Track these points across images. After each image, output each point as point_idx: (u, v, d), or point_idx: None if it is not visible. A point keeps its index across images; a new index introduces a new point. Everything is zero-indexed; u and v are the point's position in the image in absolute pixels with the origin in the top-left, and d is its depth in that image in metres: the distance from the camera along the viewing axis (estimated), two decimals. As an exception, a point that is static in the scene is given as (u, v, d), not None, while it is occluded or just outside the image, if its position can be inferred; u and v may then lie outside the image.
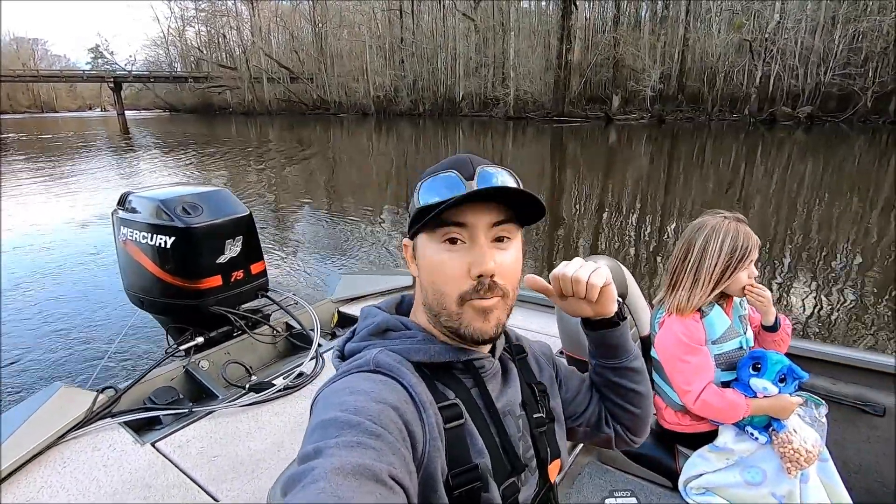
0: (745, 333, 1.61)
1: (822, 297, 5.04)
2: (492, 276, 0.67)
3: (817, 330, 4.36)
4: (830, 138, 21.28)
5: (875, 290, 5.11)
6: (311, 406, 0.65)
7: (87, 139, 29.62)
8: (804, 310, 4.71)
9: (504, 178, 0.70)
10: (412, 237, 0.73)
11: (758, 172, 13.17)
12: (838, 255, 6.39)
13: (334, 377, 0.68)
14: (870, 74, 27.09)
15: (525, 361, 0.86)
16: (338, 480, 0.47)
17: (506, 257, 0.69)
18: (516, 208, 0.69)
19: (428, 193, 0.69)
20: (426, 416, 0.64)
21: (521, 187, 0.70)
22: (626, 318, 0.84)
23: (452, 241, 0.67)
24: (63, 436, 1.78)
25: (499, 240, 0.68)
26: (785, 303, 4.84)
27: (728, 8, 31.53)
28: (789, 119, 28.10)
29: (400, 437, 0.58)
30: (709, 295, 1.51)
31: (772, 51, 28.97)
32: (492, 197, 0.66)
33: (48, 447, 1.72)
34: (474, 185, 0.67)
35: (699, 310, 1.52)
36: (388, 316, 0.76)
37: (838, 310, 4.73)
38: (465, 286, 0.67)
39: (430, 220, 0.66)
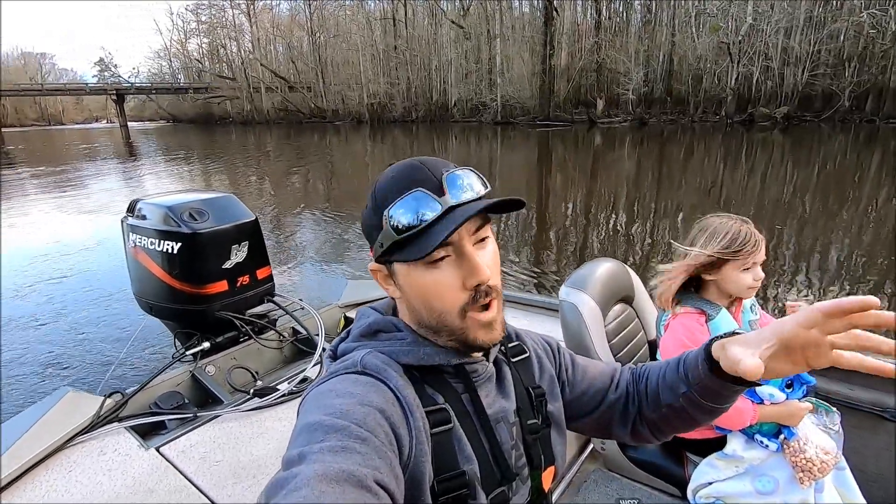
0: None
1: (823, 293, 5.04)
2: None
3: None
4: (806, 138, 21.11)
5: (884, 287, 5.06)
6: (299, 407, 0.64)
7: (90, 150, 29.76)
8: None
9: (470, 181, 0.66)
10: (385, 262, 0.69)
11: (738, 174, 13.18)
12: (834, 253, 6.38)
13: (322, 378, 0.67)
14: (847, 74, 26.78)
15: (524, 363, 0.83)
16: (321, 487, 0.46)
17: (489, 256, 0.68)
18: (491, 207, 0.66)
19: (400, 218, 0.63)
20: (412, 420, 0.63)
21: (487, 185, 0.68)
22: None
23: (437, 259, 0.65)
24: (70, 440, 1.78)
25: (479, 241, 0.67)
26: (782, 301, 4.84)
27: (704, 11, 31.23)
28: (767, 119, 27.81)
29: (386, 441, 0.57)
30: (680, 279, 1.47)
31: (748, 52, 28.86)
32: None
33: (55, 451, 1.73)
34: (448, 198, 0.63)
35: (704, 313, 1.46)
36: (381, 317, 0.74)
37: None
38: (462, 299, 0.65)
39: (416, 250, 0.63)
